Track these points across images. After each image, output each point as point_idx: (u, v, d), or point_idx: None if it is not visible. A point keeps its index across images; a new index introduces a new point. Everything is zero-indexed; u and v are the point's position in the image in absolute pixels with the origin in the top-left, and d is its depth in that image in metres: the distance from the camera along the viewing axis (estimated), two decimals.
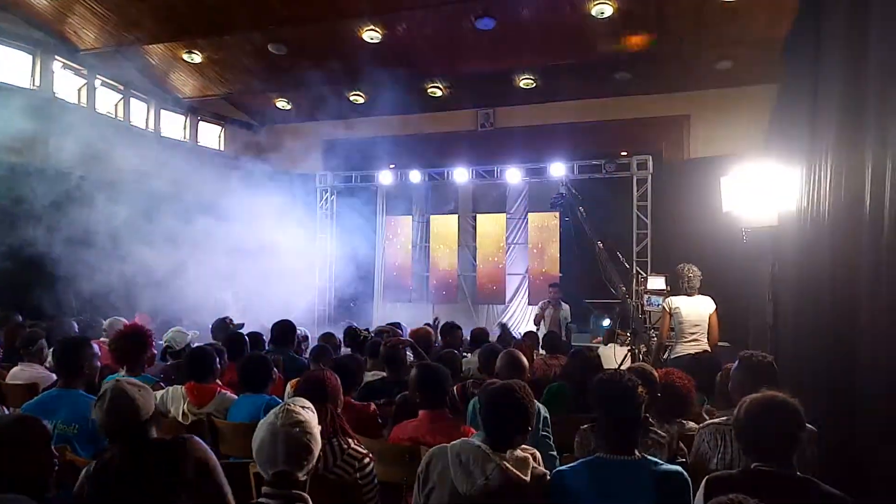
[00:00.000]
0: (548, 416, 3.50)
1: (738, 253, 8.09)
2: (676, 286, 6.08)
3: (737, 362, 3.23)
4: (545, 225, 12.26)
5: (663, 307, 5.98)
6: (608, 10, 8.42)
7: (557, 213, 12.13)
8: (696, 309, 5.73)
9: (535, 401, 3.49)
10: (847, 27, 3.53)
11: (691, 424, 3.49)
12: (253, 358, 3.95)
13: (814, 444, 2.86)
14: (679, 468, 2.32)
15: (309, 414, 2.14)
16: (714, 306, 5.76)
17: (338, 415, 2.79)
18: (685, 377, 3.63)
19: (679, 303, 5.78)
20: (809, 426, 2.78)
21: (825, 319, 3.74)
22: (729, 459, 2.90)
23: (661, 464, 2.31)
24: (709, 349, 5.67)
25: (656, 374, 3.44)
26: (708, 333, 5.74)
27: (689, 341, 5.70)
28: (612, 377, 2.43)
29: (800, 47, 5.27)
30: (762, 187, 5.70)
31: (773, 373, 3.07)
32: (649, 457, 2.34)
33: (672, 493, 2.23)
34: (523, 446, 2.58)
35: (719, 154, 10.02)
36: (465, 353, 5.80)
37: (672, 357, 5.77)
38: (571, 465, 2.41)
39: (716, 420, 3.07)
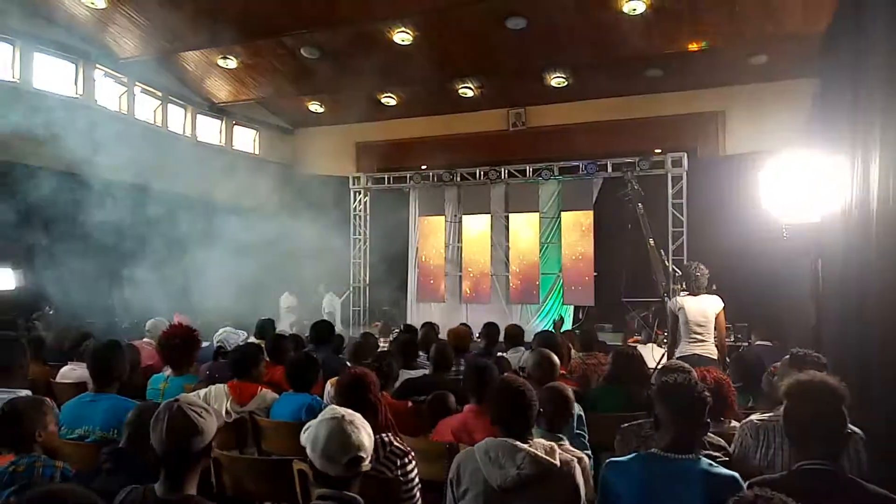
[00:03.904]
0: (582, 414, 3.51)
1: (777, 250, 7.95)
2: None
3: (787, 358, 3.18)
4: (579, 224, 12.17)
5: (670, 307, 5.87)
6: (640, 7, 8.34)
7: (591, 212, 12.05)
8: (702, 308, 5.59)
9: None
10: (890, 18, 3.46)
11: (733, 423, 3.44)
12: (301, 358, 4.01)
13: (864, 450, 2.80)
14: (735, 474, 2.28)
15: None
16: (721, 305, 5.62)
17: (386, 408, 2.83)
18: (725, 376, 3.59)
19: (684, 302, 5.67)
20: (858, 430, 2.73)
21: (872, 321, 3.66)
22: (771, 455, 2.87)
23: (717, 467, 2.28)
24: (714, 350, 5.55)
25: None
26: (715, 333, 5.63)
27: (693, 341, 5.57)
28: (684, 381, 2.40)
29: (840, 40, 5.16)
30: (803, 183, 5.58)
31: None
32: (705, 458, 2.32)
33: (721, 497, 2.15)
34: (570, 448, 2.65)
35: (756, 150, 9.85)
36: (502, 353, 5.82)
37: (677, 356, 5.65)
38: (625, 457, 2.41)
39: (759, 416, 3.03)
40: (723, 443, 2.97)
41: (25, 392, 3.25)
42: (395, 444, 2.73)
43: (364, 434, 2.10)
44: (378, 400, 2.79)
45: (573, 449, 2.86)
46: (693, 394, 2.33)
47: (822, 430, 2.21)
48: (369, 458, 2.11)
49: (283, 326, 10.30)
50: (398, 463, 2.65)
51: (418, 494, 2.69)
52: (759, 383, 3.86)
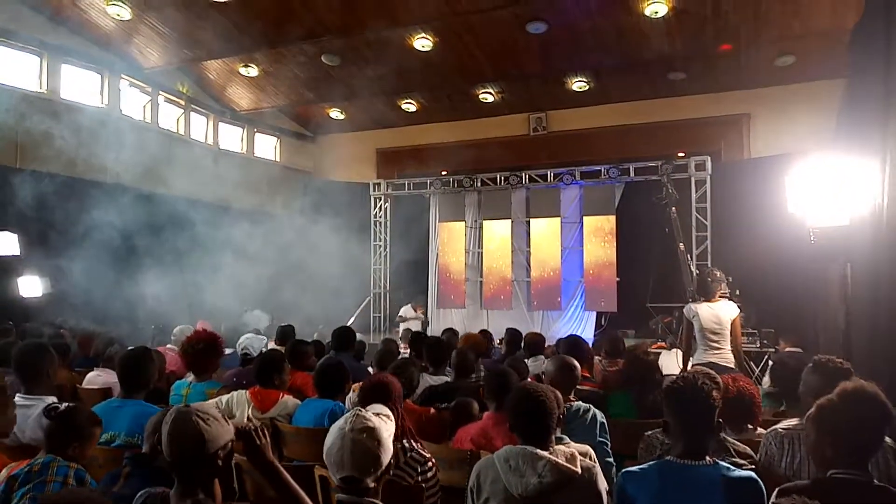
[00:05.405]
0: (605, 421, 3.45)
1: (804, 254, 7.79)
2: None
3: (810, 366, 3.10)
4: (601, 229, 12.07)
5: (685, 314, 5.73)
6: (662, 10, 8.28)
7: (614, 217, 11.95)
8: (716, 315, 5.44)
9: (591, 406, 3.47)
10: None
11: (759, 431, 3.37)
12: (332, 364, 3.99)
13: (893, 460, 2.72)
14: (753, 475, 2.24)
15: (381, 421, 2.13)
16: (737, 312, 5.48)
17: (404, 415, 2.82)
18: (751, 383, 3.51)
19: (698, 309, 5.54)
20: (888, 439, 2.65)
21: None
22: (797, 464, 2.80)
23: (734, 470, 2.24)
24: (731, 357, 5.41)
25: (718, 379, 3.32)
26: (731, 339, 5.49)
27: (709, 349, 5.44)
28: (687, 382, 2.36)
29: (870, 38, 5.05)
30: (831, 186, 5.45)
31: (850, 379, 2.93)
32: (721, 462, 2.28)
33: (744, 499, 2.16)
34: (575, 445, 2.61)
35: (782, 152, 9.72)
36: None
37: (692, 365, 5.52)
38: (640, 466, 2.36)
39: (784, 425, 2.96)
40: (749, 450, 2.91)
41: (52, 398, 3.29)
42: (416, 450, 2.71)
43: (367, 451, 2.03)
44: (396, 408, 2.77)
45: (580, 445, 2.80)
46: (699, 398, 2.28)
47: (861, 438, 2.17)
48: (373, 477, 2.05)
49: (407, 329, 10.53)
50: (418, 469, 2.64)
51: (439, 501, 2.68)
52: (797, 390, 3.77)
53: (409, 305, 11.75)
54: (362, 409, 2.15)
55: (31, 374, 3.33)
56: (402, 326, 11.38)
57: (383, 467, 2.08)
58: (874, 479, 2.15)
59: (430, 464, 2.70)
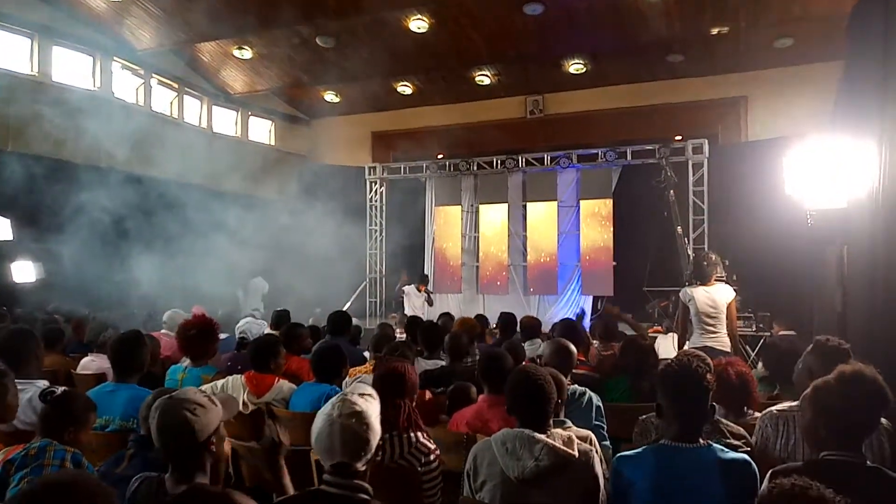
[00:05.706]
0: (601, 405, 3.45)
1: (801, 237, 7.79)
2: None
3: (811, 346, 3.10)
4: (598, 213, 12.03)
5: (681, 298, 5.71)
6: None
7: (611, 201, 11.91)
8: (712, 299, 5.42)
9: (587, 390, 3.46)
10: None
11: (757, 414, 3.37)
12: (330, 347, 3.98)
13: (887, 440, 2.73)
14: (746, 457, 2.26)
15: (367, 403, 2.08)
16: (732, 295, 5.47)
17: (413, 409, 2.81)
18: (746, 366, 3.51)
19: (694, 293, 5.52)
20: (883, 420, 2.66)
21: None
22: (791, 446, 2.81)
23: (727, 451, 2.26)
24: (728, 341, 5.41)
25: (710, 361, 3.32)
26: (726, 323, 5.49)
27: (705, 333, 5.42)
28: (680, 365, 2.35)
29: (868, 20, 5.00)
30: (828, 168, 5.43)
31: (848, 360, 2.93)
32: (715, 444, 2.28)
33: (739, 481, 2.18)
34: (576, 429, 2.62)
35: (779, 135, 9.70)
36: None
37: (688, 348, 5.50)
38: (635, 451, 2.36)
39: (779, 407, 2.96)
40: (743, 432, 2.92)
41: (43, 382, 3.27)
42: (421, 441, 2.72)
43: (356, 436, 1.99)
44: (403, 402, 2.76)
45: (581, 430, 2.80)
46: (692, 381, 2.27)
47: (856, 421, 2.18)
48: (363, 461, 2.01)
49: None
50: (422, 460, 2.66)
51: (439, 493, 2.69)
52: (789, 373, 3.77)
53: (413, 285, 11.74)
54: (349, 393, 2.11)
55: (18, 360, 3.31)
56: (405, 302, 11.32)
57: (373, 450, 2.05)
58: (867, 461, 2.17)
59: (433, 455, 2.71)
